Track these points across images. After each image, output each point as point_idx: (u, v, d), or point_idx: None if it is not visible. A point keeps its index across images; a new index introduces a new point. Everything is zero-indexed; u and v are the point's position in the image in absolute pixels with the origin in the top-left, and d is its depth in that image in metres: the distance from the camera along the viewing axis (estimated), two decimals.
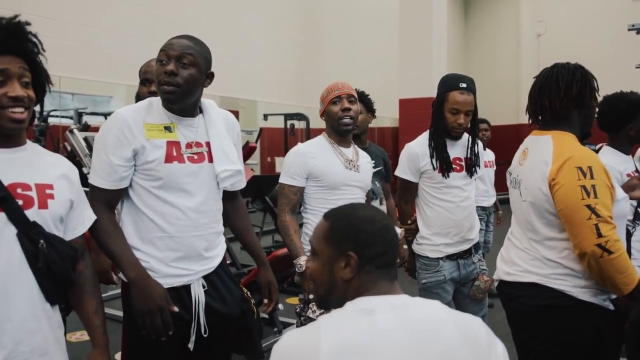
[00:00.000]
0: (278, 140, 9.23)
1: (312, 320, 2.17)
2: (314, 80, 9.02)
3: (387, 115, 9.86)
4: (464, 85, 2.53)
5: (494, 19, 13.26)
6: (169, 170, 1.72)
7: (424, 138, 2.68)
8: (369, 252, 1.15)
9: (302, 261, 2.26)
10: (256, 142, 7.00)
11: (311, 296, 2.18)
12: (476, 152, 2.68)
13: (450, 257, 2.64)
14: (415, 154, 2.65)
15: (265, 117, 9.12)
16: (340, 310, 1.14)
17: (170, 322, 1.69)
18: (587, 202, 1.71)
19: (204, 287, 1.82)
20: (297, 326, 2.25)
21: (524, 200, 1.93)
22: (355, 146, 2.53)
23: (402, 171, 2.72)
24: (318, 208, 2.36)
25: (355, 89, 2.53)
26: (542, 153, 1.87)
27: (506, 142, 7.80)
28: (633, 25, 4.30)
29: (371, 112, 3.39)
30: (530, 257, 1.90)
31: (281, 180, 2.41)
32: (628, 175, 2.48)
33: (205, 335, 1.80)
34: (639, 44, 4.72)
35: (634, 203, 2.46)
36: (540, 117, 1.96)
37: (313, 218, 2.37)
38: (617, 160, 2.46)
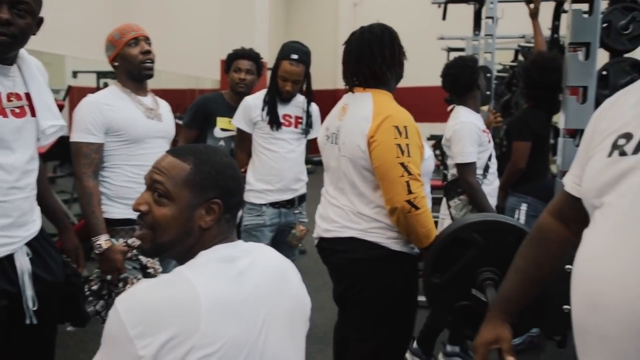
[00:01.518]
0: None
1: (148, 268, 2.17)
2: None
3: (208, 76, 9.62)
4: (295, 56, 2.75)
5: None
6: None
7: (262, 93, 2.89)
8: (232, 200, 1.13)
9: (102, 241, 2.07)
10: (64, 100, 6.37)
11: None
12: (309, 113, 2.93)
13: (273, 205, 2.83)
14: (249, 105, 2.86)
15: (75, 74, 8.33)
16: (200, 260, 1.10)
17: None
18: (401, 160, 1.81)
19: (28, 255, 1.64)
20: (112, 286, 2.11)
21: (342, 156, 1.97)
22: (153, 94, 2.38)
23: (238, 121, 2.91)
24: (120, 165, 2.18)
25: (245, 48, 2.84)
26: (363, 110, 1.93)
27: (324, 106, 8.08)
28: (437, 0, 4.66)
29: (259, 74, 3.34)
30: (347, 213, 1.98)
31: (75, 137, 2.12)
32: (484, 131, 2.83)
33: (34, 309, 1.65)
34: (442, 17, 5.13)
35: (485, 156, 2.83)
36: (360, 82, 2.00)
37: (113, 177, 2.19)
38: (475, 117, 2.82)
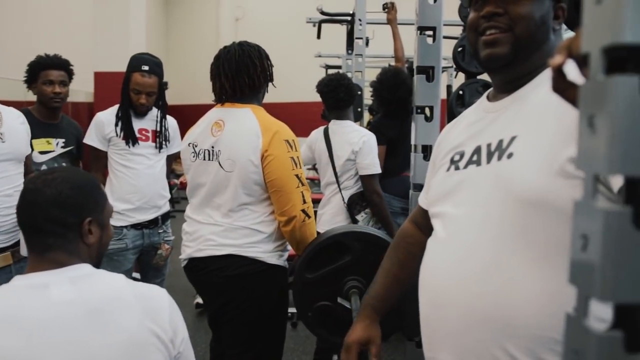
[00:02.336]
0: None
1: None
2: None
3: (82, 89, 9.16)
4: (146, 68, 2.66)
5: (196, 0, 13.38)
6: None
7: (114, 108, 2.76)
8: None
9: None
10: None
11: None
12: (165, 126, 2.81)
13: (135, 227, 2.70)
14: (102, 121, 2.72)
15: None
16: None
17: None
18: (296, 172, 1.92)
19: None
20: None
21: (228, 171, 1.95)
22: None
23: (90, 139, 2.75)
24: None
25: (51, 55, 2.66)
26: (247, 125, 1.94)
27: None
28: (310, 19, 4.82)
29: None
30: (223, 230, 1.97)
31: None
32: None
33: None
34: (317, 36, 5.31)
35: None
36: (237, 95, 2.01)
37: None
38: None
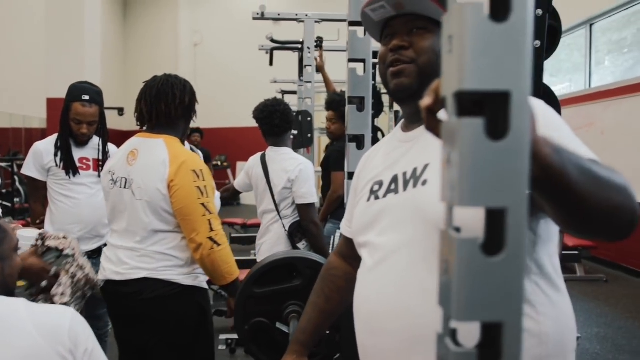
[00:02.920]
0: None
1: (64, 251, 1.99)
2: None
3: (36, 115, 9.01)
4: (87, 97, 2.67)
5: (154, 24, 13.37)
6: None
7: (53, 137, 2.75)
8: None
9: None
10: None
11: None
12: (107, 154, 2.81)
13: None
14: (40, 151, 2.72)
15: None
16: None
17: None
18: (202, 201, 1.97)
19: None
20: None
21: (138, 200, 2.02)
22: None
23: (28, 169, 2.74)
24: None
25: None
26: (158, 156, 2.01)
27: None
28: (262, 46, 4.90)
29: None
30: (139, 255, 2.02)
31: None
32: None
33: None
34: (269, 63, 5.39)
35: None
36: (153, 121, 2.10)
37: None
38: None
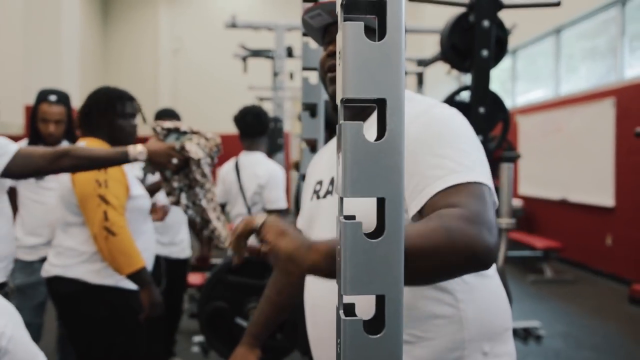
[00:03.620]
0: None
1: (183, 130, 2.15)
2: None
3: (13, 122, 8.99)
4: (53, 98, 2.74)
5: (134, 29, 13.37)
6: None
7: (23, 142, 2.79)
8: None
9: (138, 149, 1.95)
10: None
11: None
12: None
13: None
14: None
15: None
16: None
17: None
18: (99, 192, 2.01)
19: None
20: None
21: (58, 194, 2.14)
22: None
23: None
24: None
25: None
26: None
27: None
28: (236, 54, 4.99)
29: None
30: (56, 252, 2.11)
31: None
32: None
33: None
34: (251, 68, 5.48)
35: None
36: (81, 123, 2.20)
37: None
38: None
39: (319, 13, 1.20)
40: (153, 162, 1.96)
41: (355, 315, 0.72)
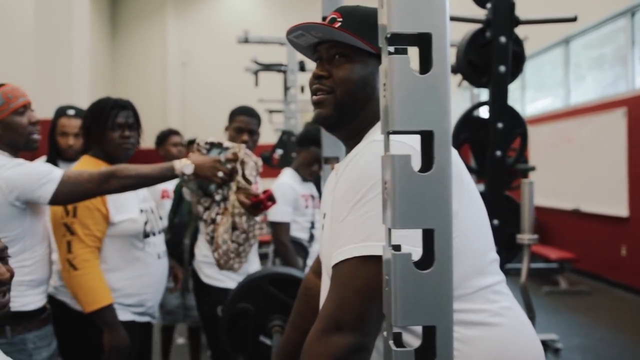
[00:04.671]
0: None
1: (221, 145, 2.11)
2: None
3: None
4: (72, 112, 2.75)
5: (143, 43, 13.47)
6: None
7: (42, 159, 2.75)
8: None
9: (181, 163, 1.89)
10: None
11: None
12: None
13: None
14: None
15: None
16: None
17: None
18: (65, 221, 1.89)
19: None
20: None
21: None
22: None
23: None
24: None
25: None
26: None
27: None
28: (247, 68, 5.02)
29: None
30: (56, 271, 2.04)
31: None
32: (303, 196, 3.05)
33: None
34: (260, 80, 5.52)
35: (308, 224, 3.04)
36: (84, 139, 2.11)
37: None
38: (295, 180, 3.09)
39: (302, 33, 1.14)
40: (199, 176, 1.91)
41: (404, 346, 0.72)
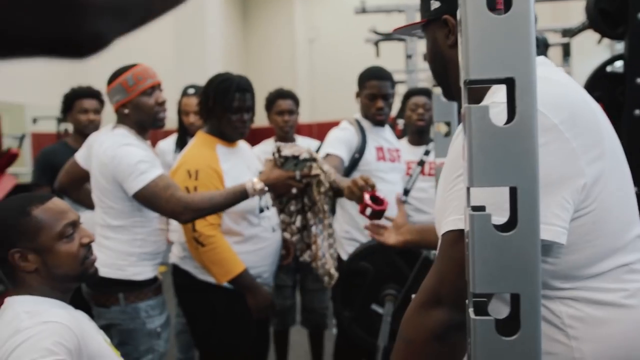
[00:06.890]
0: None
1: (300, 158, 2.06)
2: (85, 82, 8.58)
3: (171, 117, 9.80)
4: (192, 90, 2.89)
5: (272, 23, 13.86)
6: None
7: (173, 136, 2.99)
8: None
9: (253, 182, 1.91)
10: (19, 147, 6.47)
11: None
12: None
13: None
14: (163, 151, 2.97)
15: (35, 120, 8.42)
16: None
17: None
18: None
19: None
20: None
21: None
22: None
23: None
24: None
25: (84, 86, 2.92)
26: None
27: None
28: (368, 39, 4.96)
29: None
30: (177, 241, 2.15)
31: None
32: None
33: None
34: (384, 52, 5.43)
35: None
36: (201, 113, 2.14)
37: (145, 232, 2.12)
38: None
39: (402, 32, 1.24)
40: (272, 190, 1.95)
41: (486, 314, 0.67)
